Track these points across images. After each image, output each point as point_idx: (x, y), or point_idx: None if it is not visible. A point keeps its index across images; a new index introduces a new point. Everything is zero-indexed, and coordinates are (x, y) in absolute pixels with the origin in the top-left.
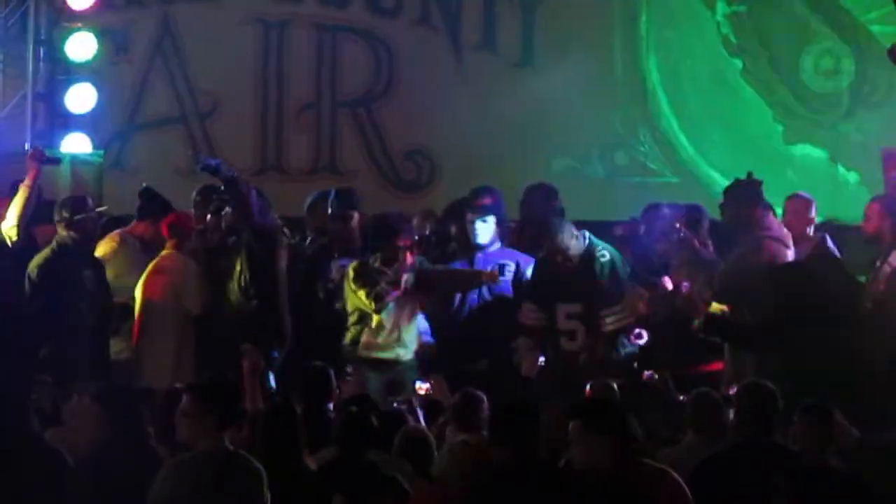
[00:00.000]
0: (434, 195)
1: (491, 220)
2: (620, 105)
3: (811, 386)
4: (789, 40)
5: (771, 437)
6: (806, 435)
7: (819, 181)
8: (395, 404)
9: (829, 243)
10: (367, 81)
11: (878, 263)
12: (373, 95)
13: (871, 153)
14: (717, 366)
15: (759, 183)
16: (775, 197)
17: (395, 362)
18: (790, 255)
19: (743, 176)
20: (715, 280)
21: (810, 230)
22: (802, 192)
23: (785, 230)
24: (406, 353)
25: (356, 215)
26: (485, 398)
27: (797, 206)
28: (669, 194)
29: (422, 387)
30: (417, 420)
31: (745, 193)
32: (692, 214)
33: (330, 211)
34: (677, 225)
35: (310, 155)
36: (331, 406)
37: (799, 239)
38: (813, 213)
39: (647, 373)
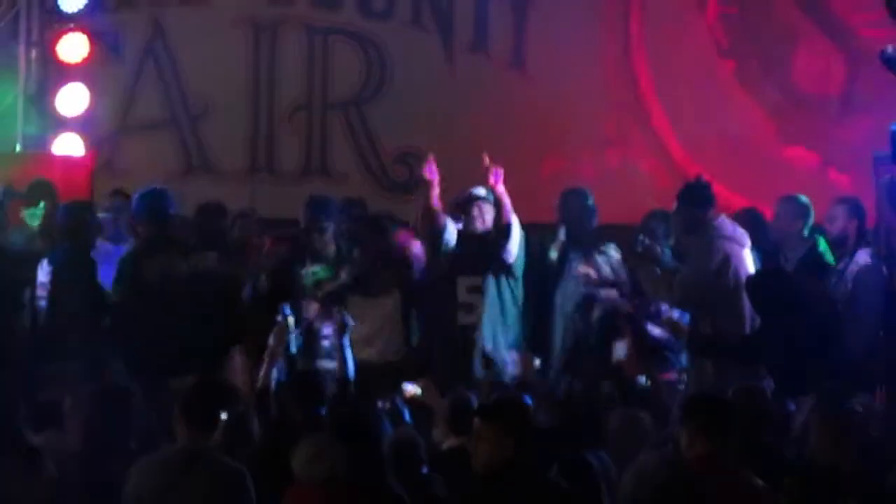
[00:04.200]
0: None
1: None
2: (612, 107)
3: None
4: (781, 43)
5: (762, 439)
6: (821, 436)
7: (810, 184)
8: (379, 404)
9: (822, 247)
10: (359, 83)
11: (841, 266)
12: (364, 97)
13: (863, 157)
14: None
15: (707, 184)
16: (766, 199)
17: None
18: (745, 254)
19: (734, 178)
20: (674, 287)
21: (805, 232)
22: (798, 195)
23: (740, 230)
24: (374, 353)
25: (330, 225)
26: (475, 400)
27: (787, 209)
28: (661, 197)
29: (409, 389)
30: (403, 421)
31: (696, 195)
32: (651, 222)
33: (303, 220)
34: (640, 236)
35: (301, 157)
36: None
37: (791, 242)
38: (807, 216)
39: (640, 378)
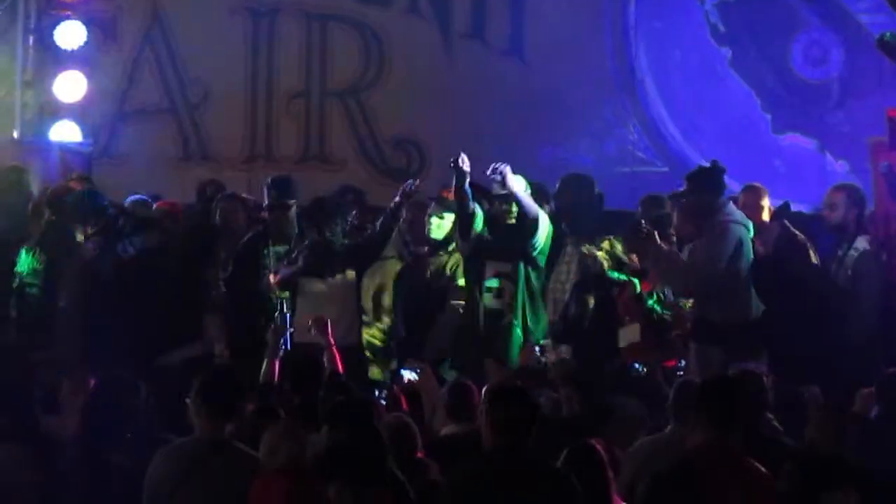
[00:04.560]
0: (422, 184)
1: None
2: (609, 94)
3: (793, 373)
4: (778, 29)
5: (758, 425)
6: (822, 424)
7: (807, 171)
8: (376, 392)
9: (791, 229)
10: (357, 70)
11: (840, 252)
12: (362, 84)
13: (860, 143)
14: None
15: (723, 170)
16: (764, 186)
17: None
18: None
19: (731, 164)
20: (683, 272)
21: (765, 218)
22: (754, 183)
23: (744, 216)
24: (337, 338)
25: (294, 204)
26: (475, 387)
27: (750, 198)
28: (658, 184)
29: (408, 375)
30: (400, 410)
31: (708, 180)
32: (655, 210)
33: (267, 200)
34: (642, 222)
35: (299, 144)
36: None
37: (756, 229)
38: (766, 202)
39: (636, 364)
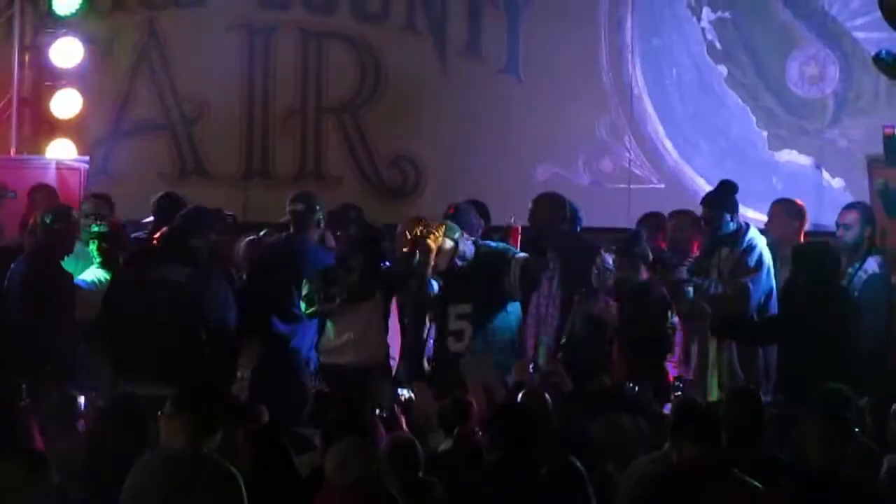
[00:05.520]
0: (419, 202)
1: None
2: (606, 111)
3: (800, 378)
4: (774, 47)
5: (759, 446)
6: (819, 441)
7: (804, 188)
8: (376, 412)
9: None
10: (353, 87)
11: (850, 270)
12: (358, 102)
13: (856, 160)
14: None
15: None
16: (760, 203)
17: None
18: None
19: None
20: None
21: (800, 235)
22: (789, 197)
23: None
24: (363, 359)
25: None
26: (474, 403)
27: (782, 211)
28: (655, 201)
29: (403, 394)
30: (400, 429)
31: (730, 200)
32: (653, 222)
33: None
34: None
35: (295, 161)
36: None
37: (788, 243)
38: (802, 217)
39: (628, 384)
